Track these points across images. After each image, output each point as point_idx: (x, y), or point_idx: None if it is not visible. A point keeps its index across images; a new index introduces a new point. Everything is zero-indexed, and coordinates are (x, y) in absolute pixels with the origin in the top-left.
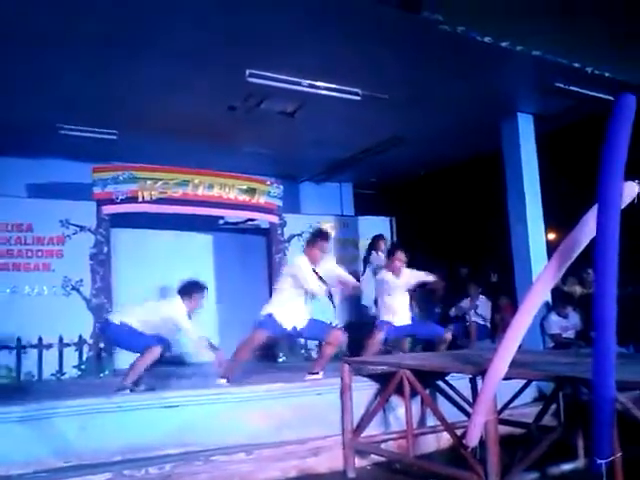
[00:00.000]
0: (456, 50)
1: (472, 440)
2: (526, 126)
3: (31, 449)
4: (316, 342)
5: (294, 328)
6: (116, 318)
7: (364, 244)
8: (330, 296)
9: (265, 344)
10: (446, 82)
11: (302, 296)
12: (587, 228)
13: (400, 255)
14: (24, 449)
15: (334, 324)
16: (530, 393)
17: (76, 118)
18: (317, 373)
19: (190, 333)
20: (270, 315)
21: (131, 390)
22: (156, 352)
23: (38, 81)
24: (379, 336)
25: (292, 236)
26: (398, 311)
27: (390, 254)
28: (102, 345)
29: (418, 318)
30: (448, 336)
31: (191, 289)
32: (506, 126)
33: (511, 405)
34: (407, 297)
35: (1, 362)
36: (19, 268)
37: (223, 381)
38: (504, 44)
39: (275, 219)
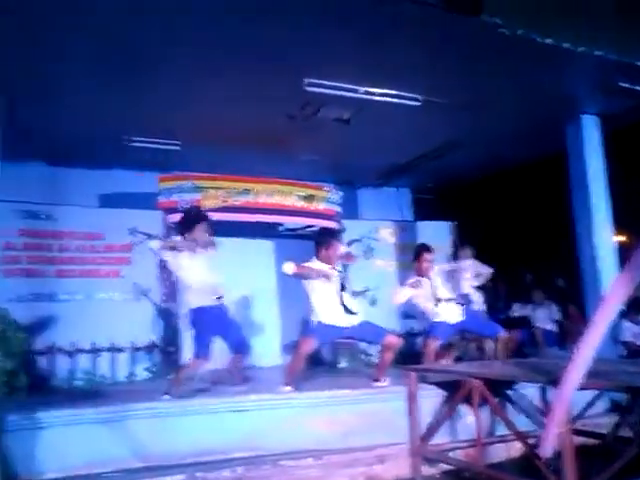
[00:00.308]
0: (516, 53)
1: (546, 450)
2: (590, 127)
3: (110, 449)
4: (376, 347)
5: (347, 328)
6: None
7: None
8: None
9: (324, 349)
10: (507, 86)
11: (334, 291)
12: None
13: (426, 256)
14: (103, 449)
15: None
16: (603, 403)
17: (142, 130)
18: (382, 380)
19: None
20: (319, 322)
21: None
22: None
23: (105, 96)
24: (434, 344)
25: (352, 241)
26: (446, 309)
27: (416, 256)
28: (171, 349)
29: (473, 313)
30: (506, 336)
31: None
32: (570, 127)
33: (584, 415)
34: (452, 289)
35: (77, 365)
36: (91, 275)
37: (288, 389)
38: (565, 45)
39: (334, 225)
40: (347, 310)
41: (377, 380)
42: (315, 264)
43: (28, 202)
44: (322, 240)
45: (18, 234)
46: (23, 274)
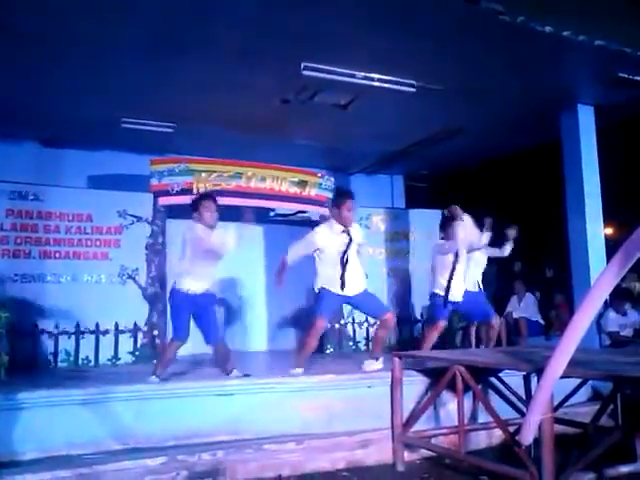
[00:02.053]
0: (515, 40)
1: (527, 438)
2: (587, 117)
3: (91, 431)
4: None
5: (350, 297)
6: None
7: (415, 237)
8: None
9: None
10: (504, 73)
11: (338, 258)
12: None
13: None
14: (84, 431)
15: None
16: (585, 392)
17: (135, 112)
18: (377, 359)
19: None
20: (322, 288)
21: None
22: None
23: (100, 77)
24: (441, 325)
25: None
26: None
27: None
28: (156, 332)
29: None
30: (497, 322)
31: None
32: (566, 117)
33: (565, 404)
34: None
35: (60, 347)
36: (79, 257)
37: (299, 370)
38: (565, 33)
39: (326, 211)
40: (351, 278)
41: (373, 357)
42: (325, 229)
43: (16, 182)
44: (337, 200)
45: (5, 214)
46: (9, 254)
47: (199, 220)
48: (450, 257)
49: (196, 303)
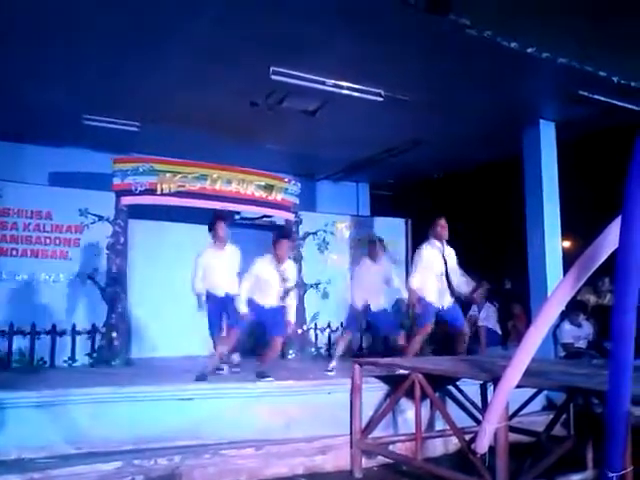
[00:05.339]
0: (481, 55)
1: (482, 446)
2: (548, 133)
3: (44, 434)
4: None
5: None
6: None
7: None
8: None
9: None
10: (469, 87)
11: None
12: (609, 240)
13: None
14: (37, 434)
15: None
16: (539, 401)
17: (99, 108)
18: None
19: None
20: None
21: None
22: None
23: (63, 71)
24: (426, 330)
25: (307, 234)
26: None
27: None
28: (114, 334)
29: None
30: (467, 331)
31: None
32: (527, 132)
33: (520, 413)
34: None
35: (15, 347)
36: (37, 255)
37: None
38: (530, 50)
39: (291, 216)
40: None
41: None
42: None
43: None
44: (275, 238)
45: None
46: None
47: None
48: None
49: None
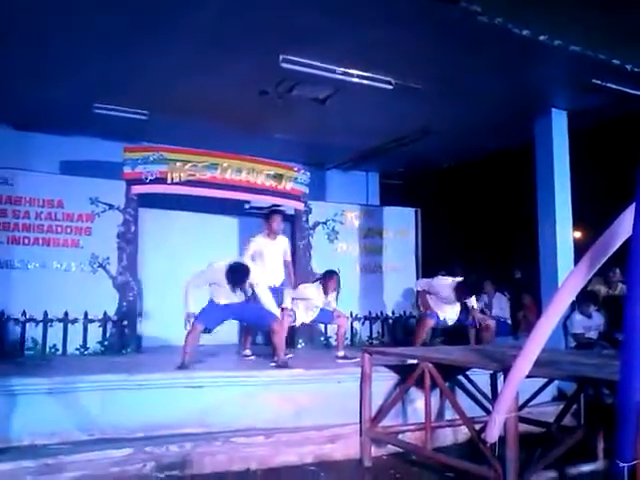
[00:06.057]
0: (493, 43)
1: (492, 436)
2: (560, 122)
3: (56, 421)
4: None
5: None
6: None
7: (388, 234)
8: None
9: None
10: (480, 75)
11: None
12: (622, 228)
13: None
14: (49, 421)
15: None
16: (549, 392)
17: (109, 97)
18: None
19: None
20: None
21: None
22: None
23: (73, 62)
24: (429, 323)
25: (317, 223)
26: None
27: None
28: (125, 322)
29: None
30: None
31: None
32: (539, 121)
33: (530, 403)
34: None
35: (28, 335)
36: (49, 243)
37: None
38: (542, 38)
39: (300, 206)
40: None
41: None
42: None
43: None
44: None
45: None
46: None
47: None
48: None
49: None
